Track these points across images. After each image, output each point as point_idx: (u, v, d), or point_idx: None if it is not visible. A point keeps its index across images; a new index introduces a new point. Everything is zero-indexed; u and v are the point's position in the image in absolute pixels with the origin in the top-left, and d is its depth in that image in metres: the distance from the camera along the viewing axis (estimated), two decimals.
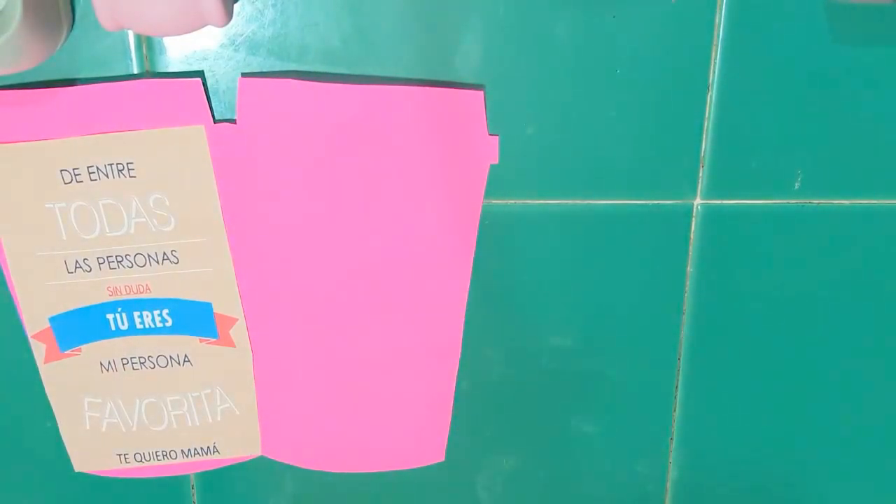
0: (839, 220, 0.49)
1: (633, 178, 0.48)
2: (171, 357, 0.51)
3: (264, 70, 0.46)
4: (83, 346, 0.50)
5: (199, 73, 0.45)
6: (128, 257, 0.48)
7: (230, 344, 0.51)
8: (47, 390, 0.51)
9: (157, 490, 0.55)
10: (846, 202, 0.49)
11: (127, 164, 0.46)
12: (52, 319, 0.49)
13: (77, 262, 0.48)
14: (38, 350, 0.50)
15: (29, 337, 0.50)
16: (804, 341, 0.52)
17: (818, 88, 0.47)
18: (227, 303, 0.50)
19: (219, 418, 0.53)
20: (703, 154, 0.48)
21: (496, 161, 0.47)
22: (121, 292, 0.49)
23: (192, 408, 0.52)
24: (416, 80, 0.46)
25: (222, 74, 0.46)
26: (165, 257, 0.48)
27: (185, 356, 0.51)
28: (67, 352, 0.50)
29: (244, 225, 0.48)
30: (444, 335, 0.51)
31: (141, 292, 0.49)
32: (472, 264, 0.49)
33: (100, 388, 0.51)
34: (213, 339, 0.51)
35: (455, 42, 0.45)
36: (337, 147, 0.46)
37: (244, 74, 0.46)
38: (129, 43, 0.45)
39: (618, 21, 0.45)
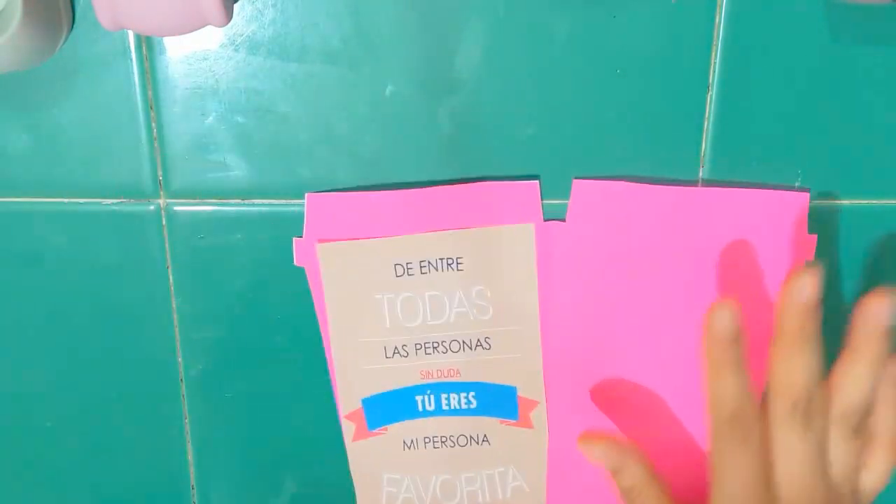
0: (839, 220, 0.49)
1: (632, 178, 0.48)
2: (471, 437, 0.52)
3: (264, 70, 0.46)
4: (390, 426, 0.52)
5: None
6: (443, 343, 0.50)
7: (529, 425, 0.52)
8: (351, 467, 0.53)
9: (157, 491, 0.55)
10: (846, 202, 0.49)
11: (456, 258, 0.48)
12: (364, 401, 0.51)
13: (395, 347, 0.50)
14: (349, 429, 0.52)
15: (341, 417, 0.52)
16: None
17: (818, 88, 0.47)
18: (531, 387, 0.51)
19: (508, 495, 0.54)
20: (702, 154, 0.48)
21: (812, 259, 0.48)
22: (432, 376, 0.51)
23: (485, 485, 0.54)
24: (418, 78, 0.46)
25: (222, 74, 0.46)
26: (478, 344, 0.50)
27: (485, 436, 0.52)
28: (375, 431, 0.52)
29: (557, 313, 0.50)
30: None
31: (451, 376, 0.51)
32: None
33: (400, 466, 0.53)
34: (514, 421, 0.52)
35: (455, 42, 0.45)
36: (658, 247, 0.48)
37: (577, 176, 0.47)
38: (129, 43, 0.45)
39: (618, 21, 0.45)
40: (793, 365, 0.44)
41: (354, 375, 0.51)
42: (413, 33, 0.45)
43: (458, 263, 0.48)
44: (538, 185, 0.47)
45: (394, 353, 0.50)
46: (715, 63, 0.46)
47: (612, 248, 0.48)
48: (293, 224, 0.49)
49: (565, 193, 0.48)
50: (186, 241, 0.49)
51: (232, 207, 0.48)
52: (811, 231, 0.49)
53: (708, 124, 0.47)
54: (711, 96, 0.47)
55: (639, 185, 0.47)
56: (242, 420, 0.53)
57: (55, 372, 0.52)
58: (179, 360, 0.52)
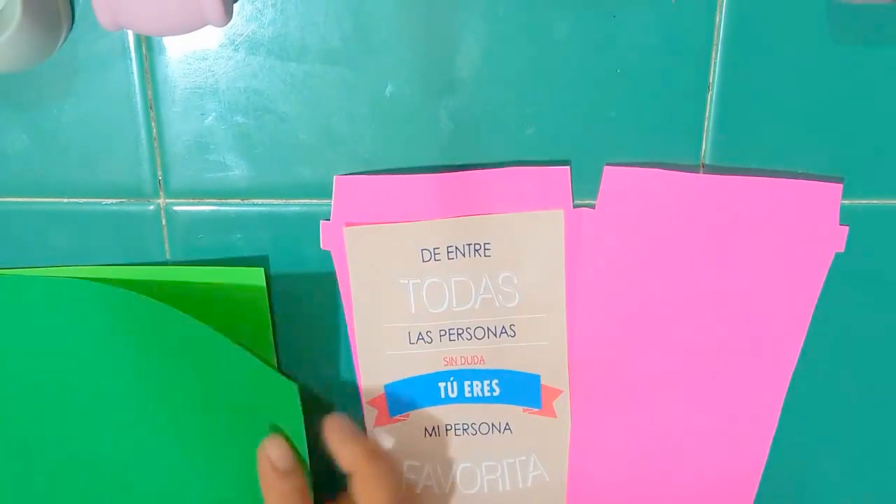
0: (840, 220, 0.49)
1: None
2: (492, 425, 0.52)
3: (264, 70, 0.46)
4: (411, 413, 0.52)
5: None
6: (468, 330, 0.50)
7: (552, 414, 0.52)
8: None
9: None
10: (846, 202, 0.49)
11: (484, 244, 0.48)
12: (387, 387, 0.51)
13: (420, 333, 0.50)
14: (370, 415, 0.52)
15: (364, 403, 0.51)
16: (804, 341, 0.52)
17: (818, 88, 0.47)
18: (555, 375, 0.51)
19: (529, 484, 0.54)
20: (703, 154, 0.48)
21: (842, 250, 0.48)
22: (456, 363, 0.50)
23: (506, 473, 0.53)
24: (418, 78, 0.46)
25: (222, 74, 0.46)
26: (503, 331, 0.50)
27: (507, 424, 0.52)
28: (396, 417, 0.52)
29: (582, 301, 0.49)
30: (761, 418, 0.52)
31: (475, 363, 0.51)
32: (799, 353, 0.51)
33: (420, 453, 0.53)
34: (536, 410, 0.52)
35: (455, 42, 0.45)
36: (688, 235, 0.48)
37: (609, 163, 0.47)
38: (128, 43, 0.45)
39: (618, 21, 0.45)
40: None
41: (378, 361, 0.50)
42: (413, 33, 0.45)
43: (485, 249, 0.48)
44: (568, 171, 0.47)
45: (418, 339, 0.50)
46: (715, 63, 0.46)
47: (641, 236, 0.48)
48: (293, 224, 0.49)
49: (575, 192, 0.48)
50: (186, 241, 0.49)
51: (232, 207, 0.49)
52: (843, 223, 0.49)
53: (708, 124, 0.47)
54: (711, 96, 0.47)
55: (670, 172, 0.47)
56: None
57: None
58: None
